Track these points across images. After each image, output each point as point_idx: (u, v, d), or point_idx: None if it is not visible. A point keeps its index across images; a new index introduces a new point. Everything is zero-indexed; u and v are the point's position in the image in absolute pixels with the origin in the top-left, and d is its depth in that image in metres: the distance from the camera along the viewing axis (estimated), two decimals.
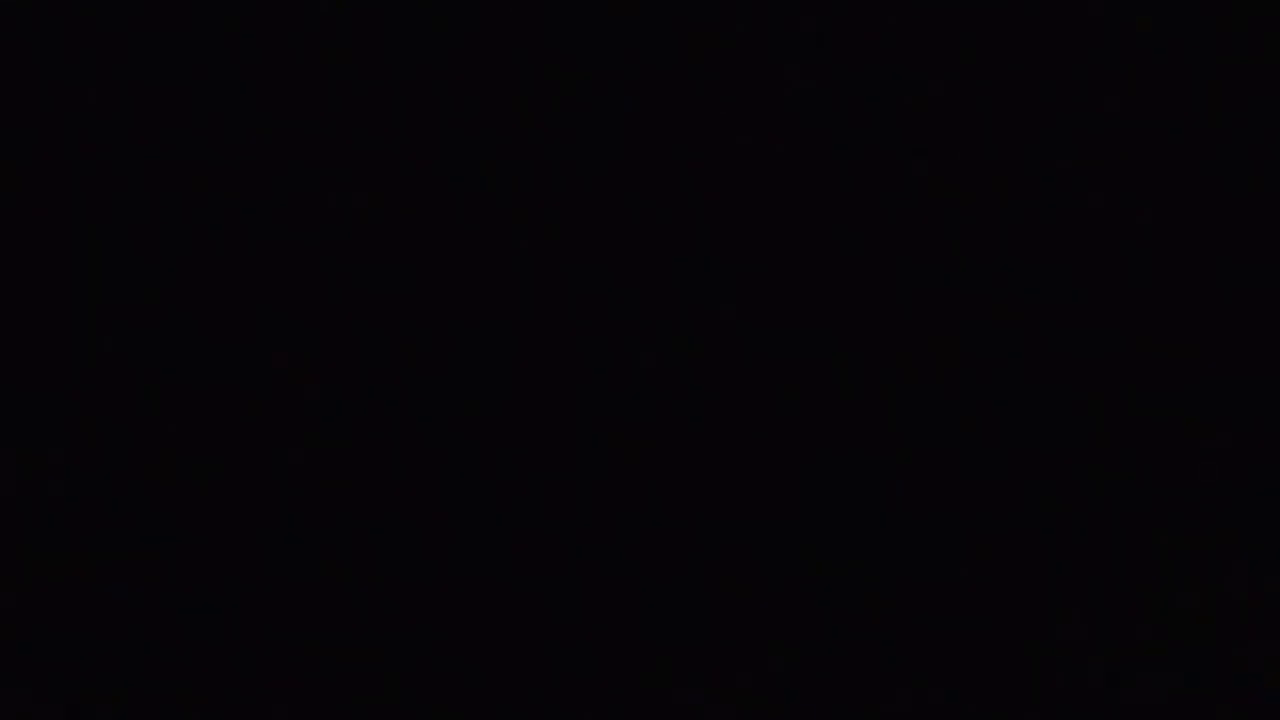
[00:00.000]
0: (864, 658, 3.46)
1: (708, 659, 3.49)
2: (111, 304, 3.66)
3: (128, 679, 3.45)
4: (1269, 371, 3.64)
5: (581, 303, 3.72)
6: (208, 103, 3.72)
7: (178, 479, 3.59)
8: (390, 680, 3.46)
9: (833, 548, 3.59)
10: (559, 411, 3.68)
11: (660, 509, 3.62)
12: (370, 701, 3.44)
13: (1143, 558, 3.49)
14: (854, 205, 3.78)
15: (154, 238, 3.70)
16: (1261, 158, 3.73)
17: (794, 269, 3.77)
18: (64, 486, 3.55)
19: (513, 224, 3.75)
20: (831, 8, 3.76)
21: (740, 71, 3.77)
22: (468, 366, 3.69)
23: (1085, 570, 3.50)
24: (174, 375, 3.65)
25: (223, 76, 3.72)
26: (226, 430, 3.63)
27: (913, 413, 3.67)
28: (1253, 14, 3.71)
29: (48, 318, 3.65)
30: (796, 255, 3.77)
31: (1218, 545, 3.48)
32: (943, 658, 3.44)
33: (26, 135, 3.67)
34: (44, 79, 3.68)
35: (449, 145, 3.75)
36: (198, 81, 3.71)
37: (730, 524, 3.62)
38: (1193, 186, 3.74)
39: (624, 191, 3.77)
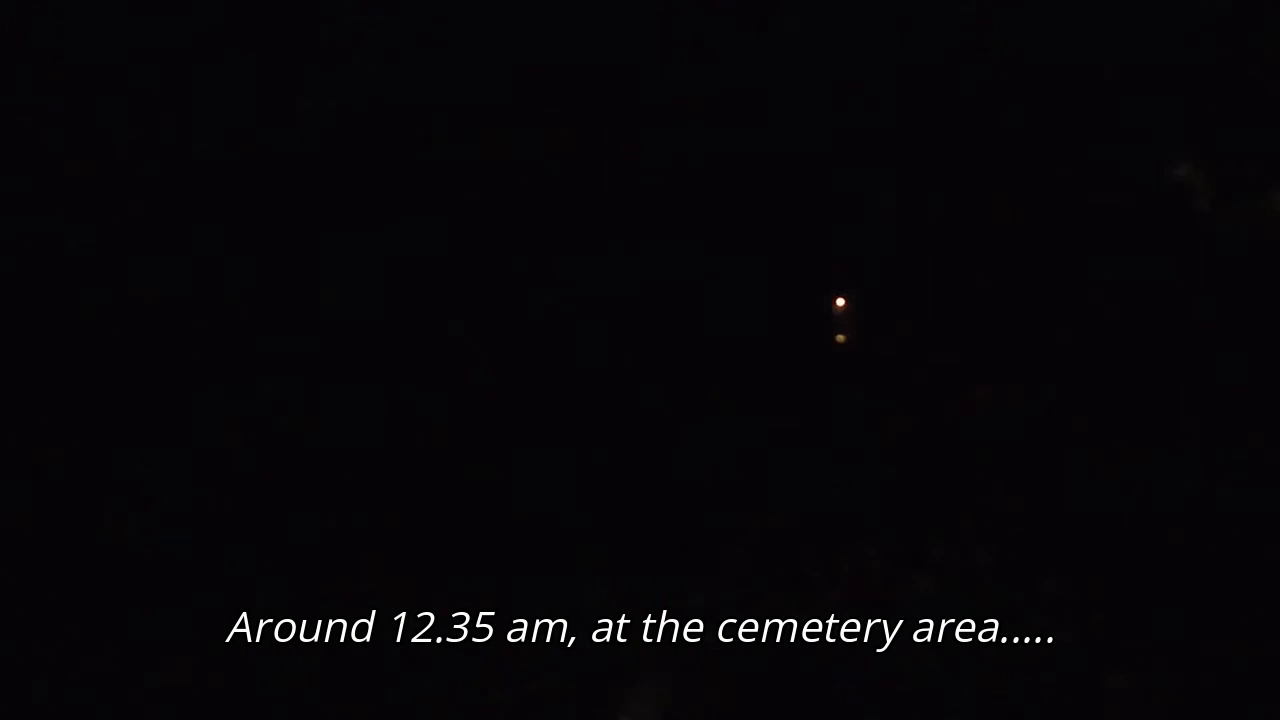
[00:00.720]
0: (864, 656, 3.46)
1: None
2: (112, 304, 3.68)
3: (129, 679, 3.46)
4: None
5: (578, 292, 3.75)
6: (208, 102, 3.74)
7: (178, 478, 3.60)
8: (390, 675, 3.47)
9: (834, 548, 3.59)
10: (558, 409, 3.69)
11: (661, 509, 3.63)
12: (369, 699, 3.45)
13: (1143, 557, 3.49)
14: (855, 205, 3.79)
15: (154, 237, 3.72)
16: (1261, 157, 3.74)
17: (795, 268, 3.79)
18: (64, 486, 3.57)
19: (513, 223, 3.77)
20: (831, 8, 3.78)
21: (741, 71, 3.79)
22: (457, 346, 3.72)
23: (1086, 570, 3.50)
24: (174, 374, 3.67)
25: (223, 76, 3.74)
26: (227, 430, 3.65)
27: (914, 412, 3.69)
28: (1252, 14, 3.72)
29: (47, 318, 3.67)
30: (797, 254, 3.79)
31: (1218, 545, 3.48)
32: (943, 657, 3.44)
33: (26, 135, 3.69)
34: (44, 79, 3.70)
35: (449, 145, 3.77)
36: (198, 81, 3.73)
37: (731, 524, 3.63)
38: (1194, 186, 3.75)
39: (624, 191, 3.78)
